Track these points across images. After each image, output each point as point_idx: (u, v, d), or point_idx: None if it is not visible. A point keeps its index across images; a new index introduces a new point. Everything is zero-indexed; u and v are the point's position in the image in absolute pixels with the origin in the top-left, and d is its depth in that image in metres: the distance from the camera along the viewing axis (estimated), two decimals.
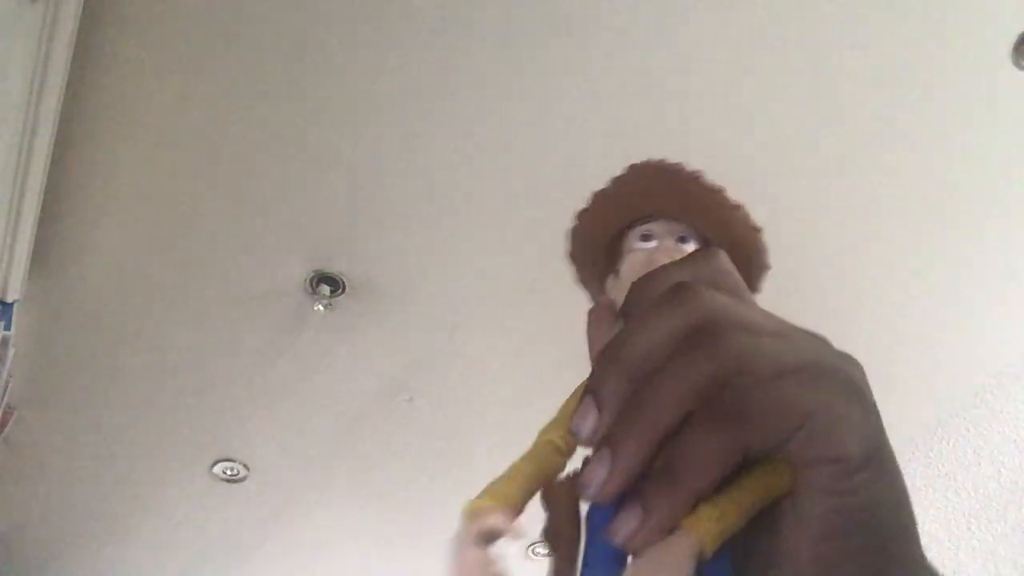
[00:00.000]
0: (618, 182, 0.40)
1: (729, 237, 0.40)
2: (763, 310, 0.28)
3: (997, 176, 1.68)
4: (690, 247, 0.38)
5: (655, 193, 0.39)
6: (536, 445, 0.29)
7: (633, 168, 0.40)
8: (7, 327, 1.63)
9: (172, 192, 1.71)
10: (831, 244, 1.82)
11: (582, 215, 0.41)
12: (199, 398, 2.19)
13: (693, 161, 0.49)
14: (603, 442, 0.24)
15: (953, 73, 1.50)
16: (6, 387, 1.71)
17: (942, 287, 1.91)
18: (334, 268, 1.85)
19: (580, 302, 1.78)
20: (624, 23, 1.45)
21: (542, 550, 2.98)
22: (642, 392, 0.24)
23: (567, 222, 1.64)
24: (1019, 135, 1.60)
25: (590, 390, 0.25)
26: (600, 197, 0.41)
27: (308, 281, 1.87)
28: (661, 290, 0.26)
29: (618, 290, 0.42)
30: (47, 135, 1.45)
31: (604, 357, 0.26)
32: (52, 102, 1.41)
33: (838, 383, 0.25)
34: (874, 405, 0.26)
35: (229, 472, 2.44)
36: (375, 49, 1.48)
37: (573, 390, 0.29)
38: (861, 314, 1.98)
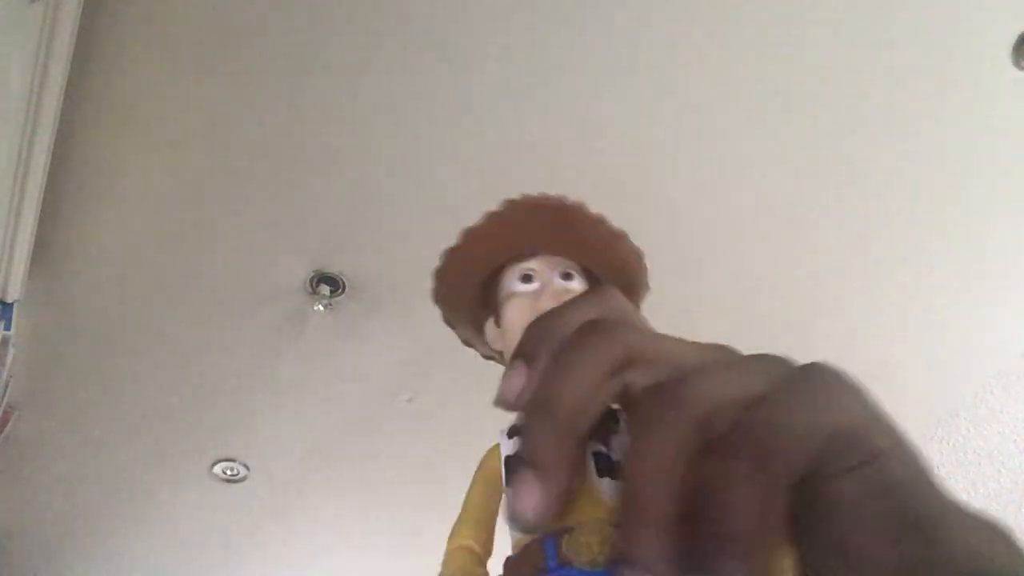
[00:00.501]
0: (493, 218, 0.36)
1: (613, 268, 0.37)
2: (676, 338, 0.26)
3: (997, 176, 1.68)
4: (575, 284, 0.35)
5: (535, 229, 0.36)
6: (451, 555, 0.25)
7: (510, 203, 0.37)
8: (7, 327, 1.63)
9: (172, 192, 1.71)
10: (831, 244, 1.82)
11: (453, 254, 0.37)
12: (199, 398, 2.19)
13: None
14: (528, 467, 0.22)
15: (953, 73, 1.50)
16: (6, 387, 1.71)
17: (942, 287, 1.91)
18: (334, 268, 1.85)
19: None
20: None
21: None
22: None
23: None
24: (1019, 135, 1.60)
25: (523, 454, 0.22)
26: (473, 234, 0.37)
27: (308, 281, 1.87)
28: (568, 330, 0.24)
29: (503, 338, 0.38)
30: (47, 135, 1.45)
31: (531, 407, 0.24)
32: (52, 102, 1.41)
33: (825, 392, 0.25)
34: (853, 387, 0.26)
35: (229, 472, 2.44)
36: (375, 49, 1.48)
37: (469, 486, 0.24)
38: (861, 314, 1.98)
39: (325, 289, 1.88)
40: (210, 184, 1.70)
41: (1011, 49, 1.45)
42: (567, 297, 0.32)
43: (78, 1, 1.33)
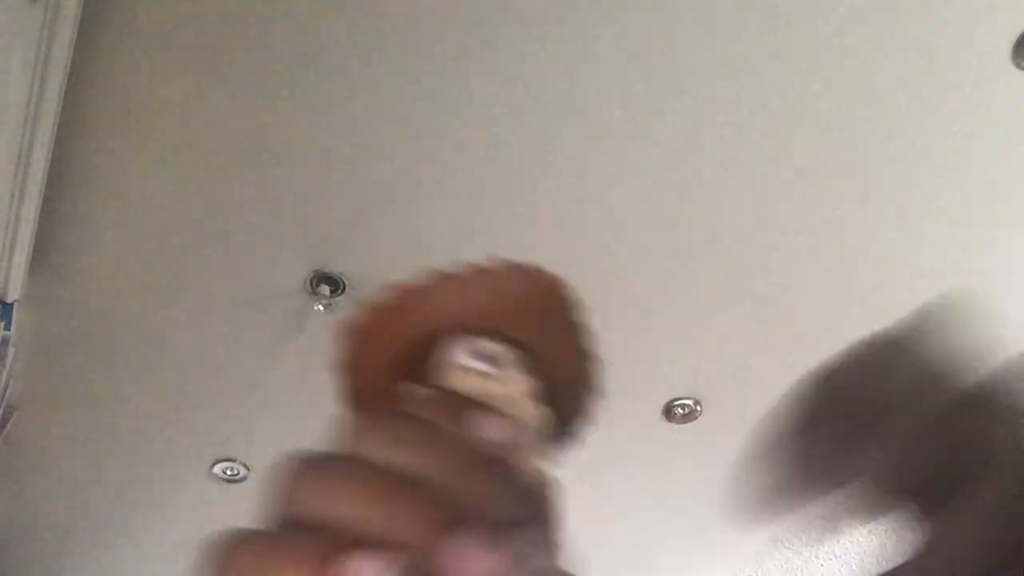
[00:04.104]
0: (481, 275, 0.28)
1: (569, 385, 0.30)
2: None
3: (997, 176, 1.68)
4: (526, 380, 0.27)
5: (522, 310, 0.28)
6: None
7: (509, 267, 0.29)
8: (7, 327, 1.63)
9: (172, 192, 1.71)
10: (829, 244, 1.82)
11: (407, 296, 0.28)
12: (199, 398, 2.19)
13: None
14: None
15: (953, 73, 1.50)
16: (6, 387, 1.71)
17: (941, 287, 1.91)
18: (334, 268, 1.85)
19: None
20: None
21: None
22: None
23: (567, 222, 1.64)
24: (1019, 135, 1.60)
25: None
26: (444, 282, 0.29)
27: (308, 281, 1.87)
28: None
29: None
30: (47, 135, 1.45)
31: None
32: (52, 102, 1.41)
33: None
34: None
35: (229, 472, 2.44)
36: (376, 49, 1.48)
37: None
38: (861, 315, 1.98)
39: (325, 289, 1.88)
40: (210, 184, 1.70)
41: (1011, 49, 1.45)
42: (525, 406, 0.26)
43: (78, 1, 1.33)
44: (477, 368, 0.26)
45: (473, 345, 0.27)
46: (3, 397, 1.71)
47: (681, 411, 2.25)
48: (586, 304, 0.29)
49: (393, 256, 1.83)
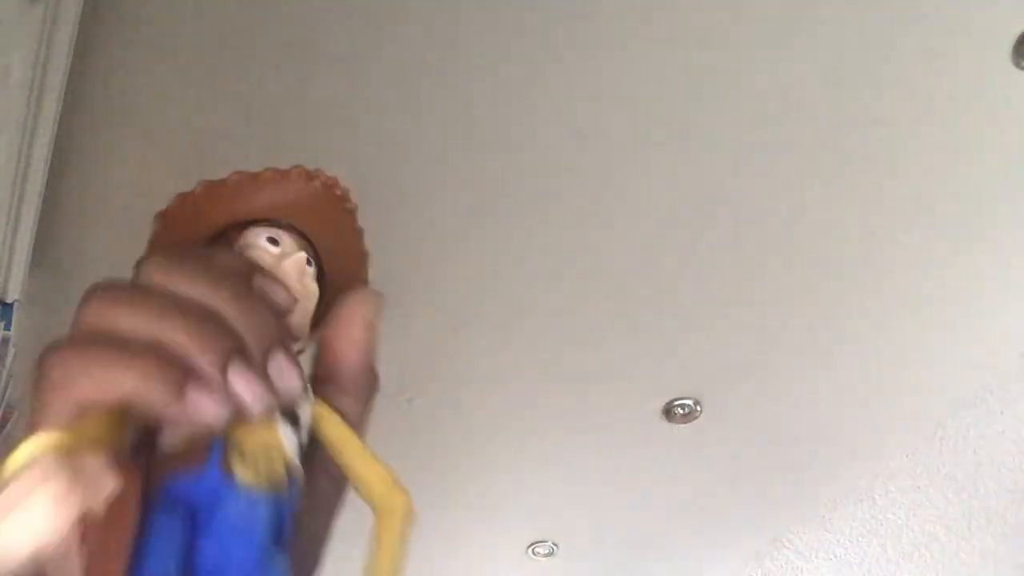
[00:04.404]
0: (278, 176, 0.34)
1: (344, 278, 0.37)
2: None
3: (997, 176, 1.68)
4: (311, 272, 0.34)
5: (311, 209, 0.34)
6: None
7: (300, 172, 0.35)
8: (7, 327, 1.63)
9: (172, 192, 1.70)
10: (828, 244, 1.82)
11: (213, 188, 0.34)
12: None
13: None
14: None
15: (953, 73, 1.50)
16: (6, 387, 1.71)
17: (942, 287, 1.91)
18: None
19: (578, 303, 1.78)
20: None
21: (542, 550, 2.97)
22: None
23: (567, 222, 1.64)
24: (1019, 135, 1.60)
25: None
26: (244, 181, 0.35)
27: None
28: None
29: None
30: (47, 135, 1.45)
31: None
32: (52, 102, 1.41)
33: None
34: None
35: None
36: (376, 50, 1.48)
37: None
38: (861, 315, 1.98)
39: None
40: None
41: (1011, 49, 1.45)
42: (307, 279, 0.33)
43: (78, 1, 1.33)
44: (268, 249, 0.32)
45: (267, 232, 0.33)
46: (3, 397, 1.71)
47: (681, 411, 2.25)
48: (358, 205, 0.35)
49: (393, 256, 1.83)
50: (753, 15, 1.43)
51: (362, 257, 0.38)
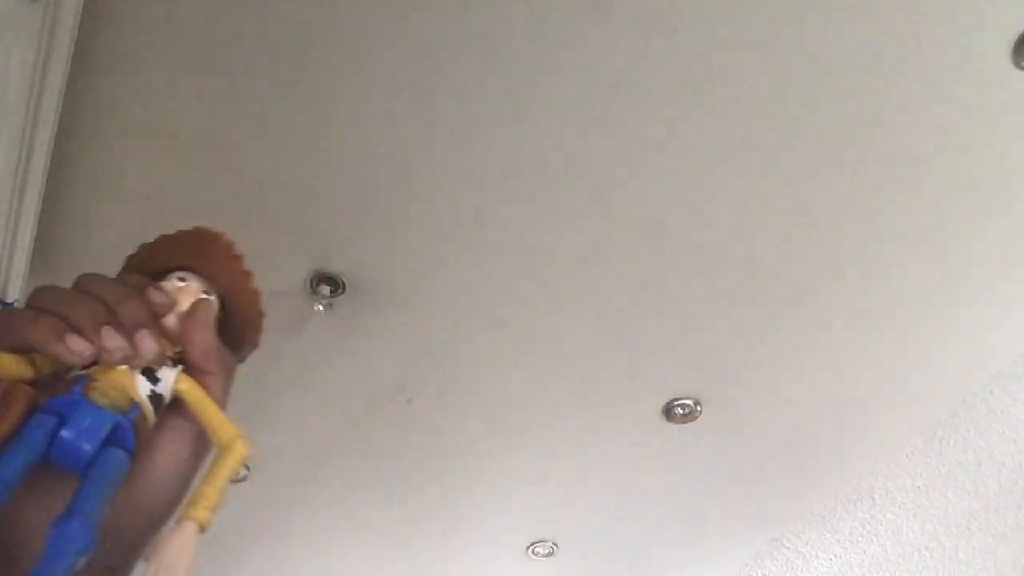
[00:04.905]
0: (187, 237, 0.51)
1: (238, 310, 0.51)
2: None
3: (997, 176, 1.68)
4: (209, 299, 0.49)
5: (204, 254, 0.50)
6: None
7: (199, 231, 0.51)
8: None
9: (172, 192, 1.71)
10: (828, 244, 1.82)
11: (151, 246, 0.51)
12: None
13: None
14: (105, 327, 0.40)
15: (953, 73, 1.50)
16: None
17: (942, 287, 1.91)
18: (334, 268, 1.85)
19: (578, 303, 1.78)
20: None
21: (542, 550, 2.96)
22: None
23: (566, 223, 1.63)
24: (1019, 135, 1.60)
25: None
26: (167, 240, 0.52)
27: (308, 281, 1.87)
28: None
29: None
30: (47, 135, 1.45)
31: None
32: (52, 102, 1.41)
33: None
34: None
35: None
36: (376, 49, 1.48)
37: None
38: (861, 315, 1.98)
39: (325, 289, 1.88)
40: (209, 184, 1.70)
41: (1011, 49, 1.45)
42: (195, 301, 0.48)
43: (78, 1, 1.33)
44: (176, 284, 0.48)
45: (180, 273, 0.48)
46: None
47: (681, 411, 2.25)
48: (243, 250, 0.50)
49: (393, 256, 1.83)
50: (754, 15, 1.43)
51: (253, 293, 0.51)
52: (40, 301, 0.40)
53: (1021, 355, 2.10)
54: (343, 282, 1.88)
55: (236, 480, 2.46)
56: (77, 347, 0.39)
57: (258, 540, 2.76)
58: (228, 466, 0.44)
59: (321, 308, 1.89)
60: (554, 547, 2.83)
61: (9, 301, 1.62)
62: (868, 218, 1.76)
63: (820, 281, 1.90)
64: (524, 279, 1.89)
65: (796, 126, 1.60)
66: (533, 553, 2.86)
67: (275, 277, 1.87)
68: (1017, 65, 1.47)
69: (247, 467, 2.44)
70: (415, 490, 2.56)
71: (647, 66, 1.51)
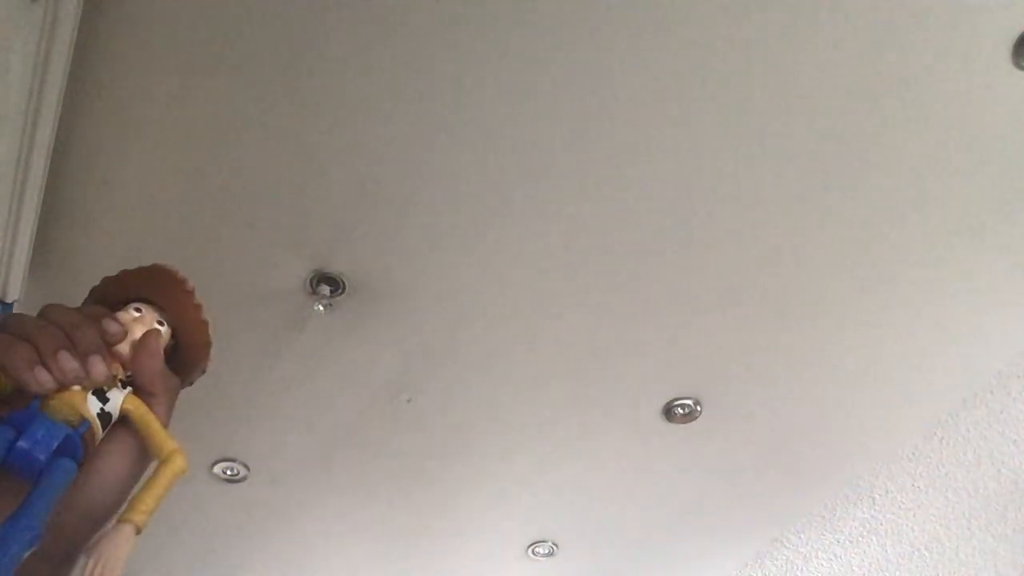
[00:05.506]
0: (145, 273, 0.56)
1: (187, 339, 0.56)
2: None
3: (997, 176, 1.68)
4: (162, 330, 0.54)
5: (159, 288, 0.56)
6: None
7: (155, 267, 0.57)
8: None
9: (172, 192, 1.71)
10: (829, 244, 1.82)
11: (114, 279, 0.57)
12: (199, 398, 2.19)
13: None
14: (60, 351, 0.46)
15: (953, 73, 1.50)
16: None
17: (942, 287, 1.91)
18: (334, 268, 1.85)
19: (576, 303, 1.78)
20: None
21: (542, 550, 2.96)
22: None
23: (567, 223, 1.63)
24: (1019, 135, 1.60)
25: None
26: (127, 274, 0.57)
27: (308, 281, 1.87)
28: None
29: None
30: (47, 135, 1.45)
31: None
32: (52, 102, 1.41)
33: None
34: None
35: (229, 472, 2.44)
36: (376, 49, 1.48)
37: None
38: (861, 315, 1.98)
39: (325, 289, 1.88)
40: (210, 184, 1.70)
41: (1011, 49, 1.45)
42: (151, 327, 0.53)
43: (78, 1, 1.33)
44: (132, 314, 0.53)
45: (136, 304, 0.54)
46: None
47: (681, 411, 2.26)
48: (193, 285, 0.56)
49: (393, 256, 1.83)
50: (755, 16, 1.43)
51: (202, 323, 0.56)
52: (7, 327, 0.46)
53: (1021, 355, 2.10)
54: (343, 282, 1.88)
55: (236, 480, 2.46)
56: (43, 379, 0.44)
57: (258, 540, 2.76)
58: (166, 477, 0.49)
59: (321, 308, 1.89)
60: (554, 547, 2.83)
61: (9, 301, 1.62)
62: (868, 218, 1.76)
63: (820, 281, 1.90)
64: (524, 279, 1.89)
65: (796, 128, 1.60)
66: (533, 553, 2.86)
67: (275, 277, 1.87)
68: (1017, 65, 1.47)
69: (247, 467, 2.44)
70: (415, 490, 2.56)
71: (648, 67, 1.51)
